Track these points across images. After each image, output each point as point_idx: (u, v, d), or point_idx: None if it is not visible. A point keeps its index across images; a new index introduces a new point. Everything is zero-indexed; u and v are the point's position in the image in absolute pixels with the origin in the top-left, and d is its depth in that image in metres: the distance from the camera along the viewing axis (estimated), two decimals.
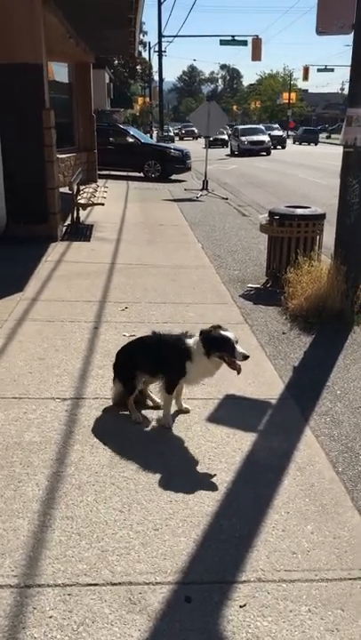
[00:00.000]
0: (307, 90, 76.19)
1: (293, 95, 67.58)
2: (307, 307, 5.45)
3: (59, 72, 14.49)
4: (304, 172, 22.87)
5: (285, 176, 21.55)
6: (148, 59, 53.89)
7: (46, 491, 2.86)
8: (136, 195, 14.71)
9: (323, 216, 6.51)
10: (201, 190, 15.42)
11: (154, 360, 3.50)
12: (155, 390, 3.74)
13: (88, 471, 3.03)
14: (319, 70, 51.28)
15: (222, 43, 35.29)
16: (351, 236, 5.54)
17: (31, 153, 8.11)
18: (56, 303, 5.66)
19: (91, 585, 2.30)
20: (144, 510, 2.75)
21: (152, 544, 2.53)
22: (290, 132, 59.23)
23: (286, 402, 3.92)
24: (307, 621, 2.18)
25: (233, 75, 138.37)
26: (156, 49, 37.66)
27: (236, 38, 34.85)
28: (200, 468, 3.11)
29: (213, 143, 40.18)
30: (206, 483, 2.98)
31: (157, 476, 3.01)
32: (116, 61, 46.64)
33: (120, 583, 2.32)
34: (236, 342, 3.23)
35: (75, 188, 9.43)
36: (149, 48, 51.71)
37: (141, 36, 45.89)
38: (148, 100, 54.35)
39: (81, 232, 9.28)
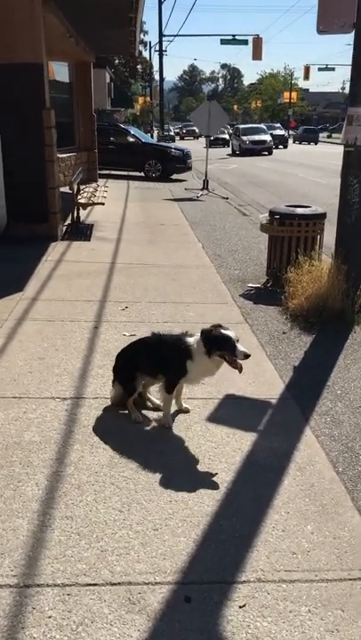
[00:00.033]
0: (308, 89, 76.20)
1: (294, 94, 67.52)
2: (307, 306, 5.44)
3: (59, 71, 14.49)
4: (304, 172, 22.86)
5: (286, 175, 21.55)
6: (148, 58, 53.96)
7: (46, 490, 2.85)
8: (136, 194, 14.71)
9: (323, 215, 6.50)
10: (201, 190, 15.41)
11: (154, 360, 3.49)
12: (154, 392, 3.74)
13: (88, 471, 3.02)
14: (320, 69, 51.25)
15: (223, 42, 35.25)
16: (352, 236, 5.53)
17: (31, 152, 8.11)
18: (56, 303, 5.66)
19: (90, 585, 2.30)
20: (144, 510, 2.74)
21: (152, 544, 2.53)
22: (290, 132, 59.22)
23: (287, 402, 3.92)
24: (307, 622, 2.18)
25: (234, 74, 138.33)
26: (157, 48, 37.71)
27: (236, 37, 34.84)
28: (200, 468, 3.11)
29: (214, 143, 40.15)
30: (206, 482, 2.97)
31: (157, 476, 3.01)
32: (117, 61, 46.69)
33: (119, 583, 2.31)
34: (237, 341, 3.22)
35: (75, 187, 9.43)
36: (150, 47, 51.79)
37: (142, 36, 45.89)
38: (148, 99, 54.34)
39: (81, 231, 9.28)
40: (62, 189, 9.32)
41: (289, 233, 6.37)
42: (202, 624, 2.15)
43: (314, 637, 2.12)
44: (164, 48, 41.11)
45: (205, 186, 15.62)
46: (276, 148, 38.85)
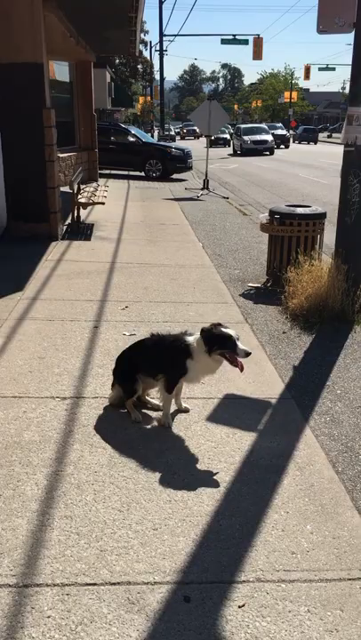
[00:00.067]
0: (308, 89, 76.22)
1: (295, 94, 67.52)
2: (307, 306, 5.44)
3: (60, 71, 14.49)
4: (304, 171, 22.86)
5: (286, 175, 21.54)
6: (149, 58, 53.93)
7: (45, 490, 2.85)
8: (137, 194, 14.70)
9: (323, 215, 6.50)
10: (202, 189, 15.42)
11: (155, 360, 3.48)
12: (153, 393, 3.73)
13: (87, 470, 3.02)
14: (320, 69, 51.29)
15: (223, 42, 35.27)
16: (352, 235, 5.54)
17: (32, 152, 8.11)
18: (56, 302, 5.66)
19: (89, 584, 2.30)
20: (143, 510, 2.74)
21: (151, 544, 2.53)
22: (291, 132, 59.25)
23: (286, 401, 3.92)
24: (306, 622, 2.17)
25: (234, 74, 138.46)
26: (158, 48, 37.71)
27: (237, 37, 34.86)
28: (200, 468, 3.10)
29: (215, 143, 40.17)
30: (206, 482, 2.97)
31: (157, 476, 3.00)
32: (118, 60, 46.65)
33: (119, 583, 2.31)
34: (238, 339, 3.22)
35: (75, 187, 9.42)
36: (151, 47, 51.86)
37: (142, 35, 45.94)
38: (149, 99, 54.30)
39: (81, 231, 9.28)
40: (62, 189, 9.32)
41: (289, 233, 6.37)
42: (201, 624, 2.15)
43: (313, 637, 2.12)
44: (164, 48, 41.15)
45: (206, 185, 15.63)
46: (278, 147, 38.85)
